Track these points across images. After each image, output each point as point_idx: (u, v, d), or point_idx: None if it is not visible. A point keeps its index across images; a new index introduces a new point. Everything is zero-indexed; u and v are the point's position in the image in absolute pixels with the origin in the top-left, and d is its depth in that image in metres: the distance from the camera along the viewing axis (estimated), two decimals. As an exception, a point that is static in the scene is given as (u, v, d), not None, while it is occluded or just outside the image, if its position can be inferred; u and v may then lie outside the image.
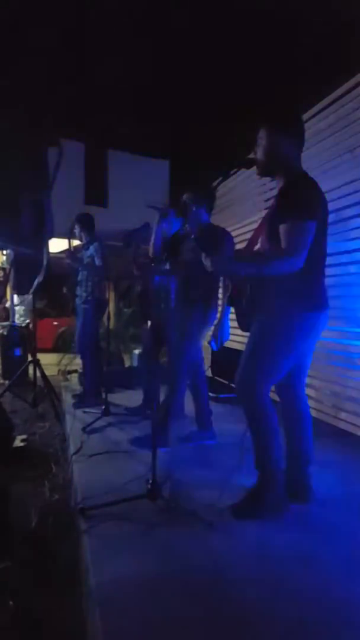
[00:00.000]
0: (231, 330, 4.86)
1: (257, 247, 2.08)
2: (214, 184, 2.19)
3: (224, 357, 4.99)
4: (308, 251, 1.77)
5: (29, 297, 4.64)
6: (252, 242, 2.08)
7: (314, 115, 3.41)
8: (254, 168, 2.01)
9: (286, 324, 1.87)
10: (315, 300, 1.92)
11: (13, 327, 5.69)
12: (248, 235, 4.52)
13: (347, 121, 3.06)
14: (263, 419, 1.92)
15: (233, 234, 4.93)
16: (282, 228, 1.79)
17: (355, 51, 3.07)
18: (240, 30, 3.95)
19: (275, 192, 2.03)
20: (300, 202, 1.79)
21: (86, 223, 4.05)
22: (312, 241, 1.79)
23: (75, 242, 4.22)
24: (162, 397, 2.87)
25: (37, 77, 4.44)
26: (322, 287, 1.94)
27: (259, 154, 1.95)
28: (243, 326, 2.10)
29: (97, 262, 3.85)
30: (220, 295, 2.91)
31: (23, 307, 6.57)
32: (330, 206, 1.98)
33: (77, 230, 4.05)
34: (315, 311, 1.91)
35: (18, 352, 5.42)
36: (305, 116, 3.41)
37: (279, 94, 3.89)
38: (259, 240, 2.04)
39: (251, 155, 2.00)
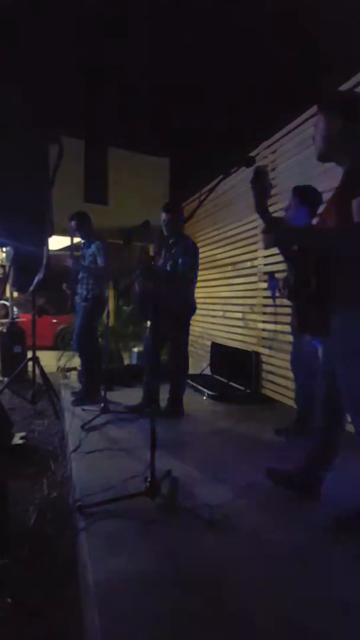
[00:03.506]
0: (230, 329, 4.88)
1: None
2: (214, 182, 2.17)
3: (223, 356, 4.99)
4: None
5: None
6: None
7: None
8: (254, 166, 1.98)
9: None
10: None
11: (12, 324, 5.69)
12: (248, 234, 4.54)
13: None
14: None
15: (233, 232, 4.94)
16: (356, 202, 1.56)
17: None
18: (242, 30, 3.94)
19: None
20: None
21: (81, 221, 4.04)
22: None
23: (76, 240, 4.21)
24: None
25: (38, 75, 4.43)
26: None
27: (317, 139, 1.80)
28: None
29: (100, 261, 3.85)
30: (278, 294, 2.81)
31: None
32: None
33: (73, 228, 4.03)
34: None
35: (17, 349, 5.43)
36: (305, 114, 3.40)
37: (278, 92, 3.88)
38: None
39: (252, 154, 1.98)
